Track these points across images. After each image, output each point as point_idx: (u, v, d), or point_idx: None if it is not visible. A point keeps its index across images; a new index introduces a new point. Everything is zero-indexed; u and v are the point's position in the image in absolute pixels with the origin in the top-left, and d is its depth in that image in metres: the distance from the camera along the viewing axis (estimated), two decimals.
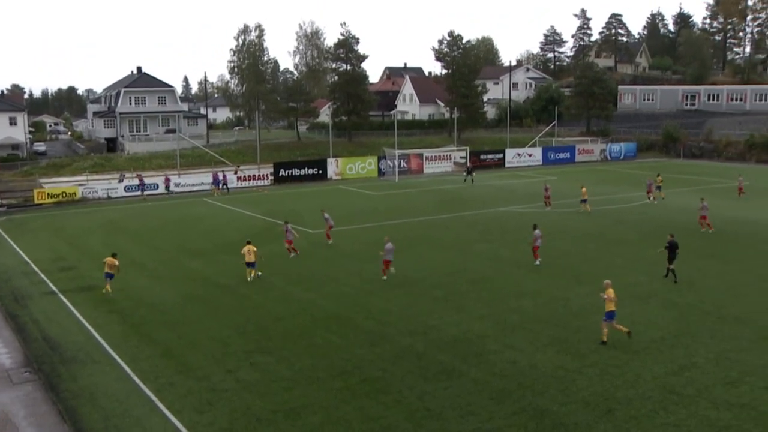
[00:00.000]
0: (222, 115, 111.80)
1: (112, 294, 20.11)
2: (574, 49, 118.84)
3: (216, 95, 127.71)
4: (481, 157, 57.97)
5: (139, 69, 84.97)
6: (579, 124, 79.53)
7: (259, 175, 47.73)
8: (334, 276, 21.80)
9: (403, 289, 20.04)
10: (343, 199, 39.68)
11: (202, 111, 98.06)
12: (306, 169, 49.86)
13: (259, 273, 21.78)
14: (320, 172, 50.27)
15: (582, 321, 17.12)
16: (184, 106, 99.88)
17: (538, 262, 22.76)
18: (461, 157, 55.98)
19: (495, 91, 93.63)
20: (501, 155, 58.93)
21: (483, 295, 19.00)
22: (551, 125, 68.38)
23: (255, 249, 21.29)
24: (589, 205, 33.83)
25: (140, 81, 78.43)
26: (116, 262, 20.50)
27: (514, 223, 30.96)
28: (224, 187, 44.00)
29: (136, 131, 75.19)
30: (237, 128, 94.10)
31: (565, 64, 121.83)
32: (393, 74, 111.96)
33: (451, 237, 27.70)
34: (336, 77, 71.61)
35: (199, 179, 44.99)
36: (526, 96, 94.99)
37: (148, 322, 17.72)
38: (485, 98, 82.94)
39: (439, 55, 72.62)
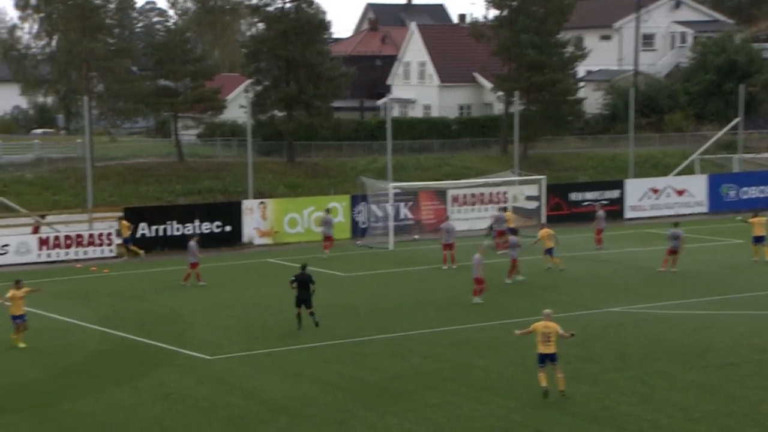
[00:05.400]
0: (3, 100, 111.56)
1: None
2: None
3: None
4: (572, 197, 59.43)
5: None
6: None
7: (90, 237, 48.47)
8: None
9: None
10: (276, 286, 40.13)
11: None
12: (196, 221, 50.77)
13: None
14: (228, 228, 51.17)
15: None
16: None
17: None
18: (528, 197, 57.43)
19: (602, 54, 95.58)
20: (617, 193, 60.48)
21: None
22: (730, 126, 70.28)
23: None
24: None
25: None
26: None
27: (643, 338, 31.93)
28: None
29: None
30: (38, 132, 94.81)
31: None
32: (383, 20, 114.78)
33: (512, 373, 28.38)
34: (260, 25, 73.62)
35: None
36: (672, 63, 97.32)
37: None
38: (581, 70, 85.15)
39: None
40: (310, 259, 47.02)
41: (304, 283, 32.74)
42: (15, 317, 31.59)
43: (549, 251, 43.48)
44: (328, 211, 50.52)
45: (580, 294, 39.05)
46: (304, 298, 32.82)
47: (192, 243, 41.35)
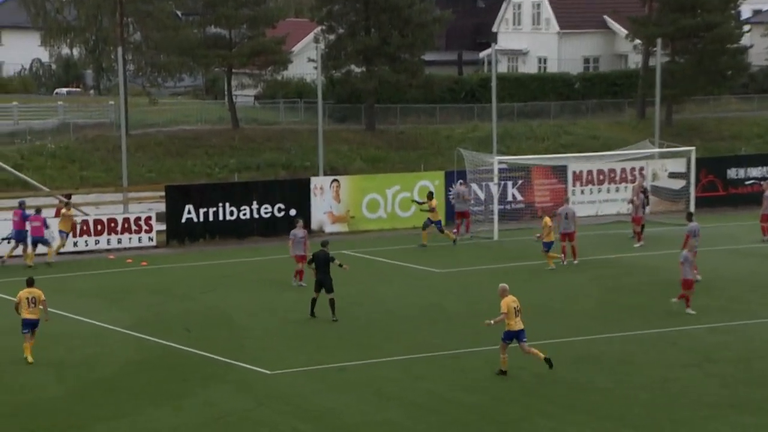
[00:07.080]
0: (20, 52, 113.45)
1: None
2: None
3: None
4: (731, 173, 58.78)
5: None
6: None
7: (125, 222, 49.06)
8: None
9: None
10: (351, 284, 40.14)
11: None
12: (254, 204, 51.25)
13: None
14: (293, 212, 51.31)
15: None
16: None
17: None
18: (672, 174, 56.94)
19: None
20: None
21: None
22: None
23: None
24: None
25: None
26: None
27: None
28: None
29: None
30: (63, 92, 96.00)
31: None
32: None
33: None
34: None
35: None
36: None
37: None
38: (745, 9, 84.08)
39: None
40: (403, 252, 47.22)
41: (323, 263, 34.42)
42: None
43: (548, 245, 43.46)
44: (463, 183, 52.23)
45: (742, 298, 38.37)
46: (322, 281, 34.80)
47: (300, 231, 40.63)
